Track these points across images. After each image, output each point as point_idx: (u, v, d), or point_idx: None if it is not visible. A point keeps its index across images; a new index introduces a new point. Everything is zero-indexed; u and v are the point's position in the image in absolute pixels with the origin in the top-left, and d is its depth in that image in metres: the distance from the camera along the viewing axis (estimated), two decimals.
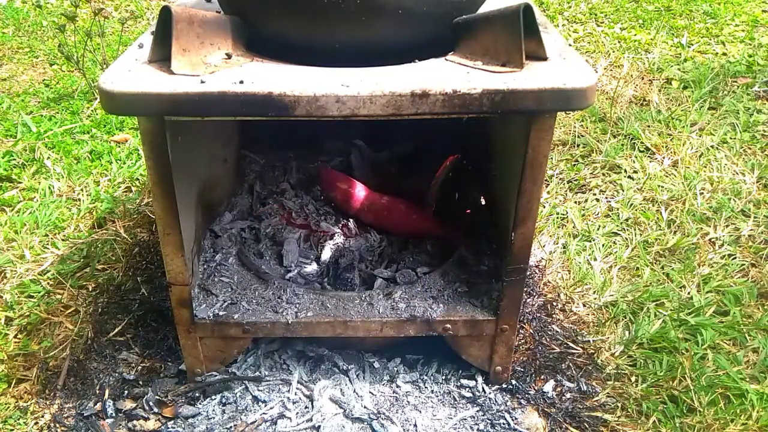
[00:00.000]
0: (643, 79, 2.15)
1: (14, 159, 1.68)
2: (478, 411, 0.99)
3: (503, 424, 0.97)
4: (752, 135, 1.77)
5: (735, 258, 1.32)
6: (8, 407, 1.01)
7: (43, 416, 1.00)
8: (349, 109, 0.72)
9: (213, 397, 1.00)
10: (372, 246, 1.15)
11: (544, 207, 1.49)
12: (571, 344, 1.12)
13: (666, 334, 1.11)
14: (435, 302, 0.97)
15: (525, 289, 1.10)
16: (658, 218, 1.44)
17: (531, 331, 1.15)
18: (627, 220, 1.44)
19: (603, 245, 1.36)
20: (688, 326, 1.14)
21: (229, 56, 0.79)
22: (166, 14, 0.72)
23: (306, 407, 0.99)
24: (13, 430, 0.98)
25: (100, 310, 1.19)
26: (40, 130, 1.82)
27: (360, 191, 1.20)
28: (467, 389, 1.03)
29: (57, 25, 2.15)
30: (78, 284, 1.25)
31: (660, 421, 0.98)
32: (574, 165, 1.67)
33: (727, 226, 1.41)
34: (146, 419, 0.99)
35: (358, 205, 1.20)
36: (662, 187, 1.55)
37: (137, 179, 1.62)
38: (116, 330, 1.15)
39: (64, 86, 2.15)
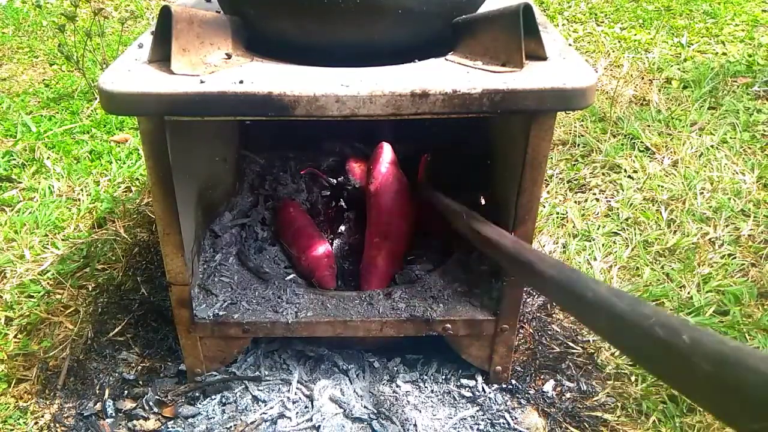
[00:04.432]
0: (643, 78, 2.15)
1: (14, 159, 1.68)
2: (478, 411, 0.99)
3: (503, 423, 0.97)
4: (752, 135, 1.77)
5: (735, 258, 1.32)
6: (8, 407, 1.01)
7: (43, 416, 1.00)
8: (349, 109, 0.72)
9: (213, 396, 1.01)
10: None
11: (544, 207, 1.49)
12: (571, 344, 1.12)
13: None
14: (435, 302, 0.97)
15: (525, 288, 1.10)
16: (658, 218, 1.44)
17: (531, 331, 1.15)
18: (627, 219, 1.44)
19: (603, 245, 1.36)
20: None
21: (229, 56, 0.79)
22: (166, 14, 0.72)
23: (306, 407, 0.99)
24: (13, 430, 0.98)
25: (100, 310, 1.19)
26: (40, 130, 1.82)
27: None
28: (467, 389, 1.03)
29: (57, 25, 2.15)
30: (78, 284, 1.25)
31: (660, 420, 0.98)
32: (574, 165, 1.67)
33: (727, 225, 1.41)
34: (146, 419, 0.99)
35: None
36: (662, 186, 1.55)
37: (137, 179, 1.62)
38: (116, 330, 1.15)
39: (64, 86, 2.15)
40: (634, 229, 1.40)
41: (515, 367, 1.07)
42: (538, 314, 1.19)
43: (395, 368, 1.05)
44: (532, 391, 1.03)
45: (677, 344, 0.48)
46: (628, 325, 0.53)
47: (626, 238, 1.38)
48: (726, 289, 1.22)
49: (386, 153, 1.23)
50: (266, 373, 1.04)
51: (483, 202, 1.20)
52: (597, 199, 1.53)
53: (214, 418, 0.98)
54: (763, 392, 0.40)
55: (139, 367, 1.08)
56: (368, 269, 1.06)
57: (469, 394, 1.02)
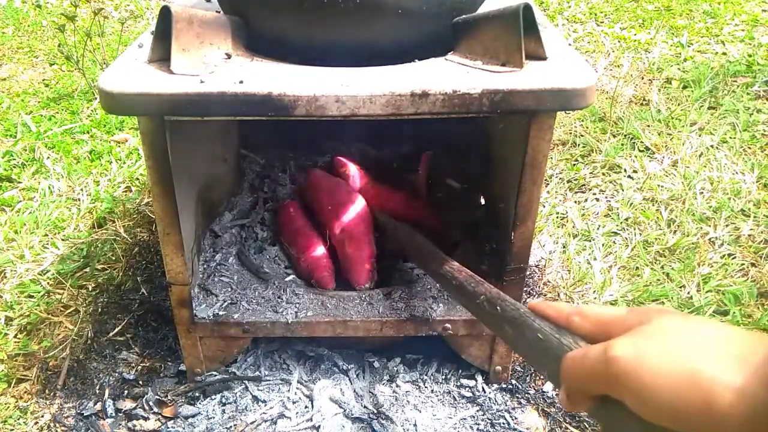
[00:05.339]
0: (643, 78, 2.15)
1: (14, 159, 1.68)
2: (478, 411, 0.99)
3: (503, 423, 0.97)
4: (752, 134, 1.77)
5: (735, 258, 1.32)
6: (8, 407, 1.01)
7: (43, 416, 1.00)
8: (349, 108, 0.72)
9: (213, 396, 1.01)
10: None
11: (544, 207, 1.49)
12: None
13: None
14: (435, 302, 0.97)
15: (525, 288, 1.10)
16: (657, 218, 1.44)
17: None
18: (627, 219, 1.44)
19: (603, 245, 1.36)
20: None
21: (228, 56, 0.79)
22: (165, 14, 0.72)
23: (306, 407, 0.99)
24: (13, 430, 0.98)
25: (100, 310, 1.19)
26: (40, 129, 1.82)
27: (363, 176, 1.23)
28: (467, 389, 1.03)
29: (57, 25, 2.15)
30: (78, 284, 1.25)
31: None
32: (574, 165, 1.67)
33: (727, 225, 1.41)
34: (146, 419, 0.99)
35: (361, 186, 1.21)
36: (662, 186, 1.55)
37: (137, 179, 1.62)
38: (116, 330, 1.15)
39: (64, 86, 2.15)
40: (634, 229, 1.40)
41: (515, 367, 1.07)
42: None
43: (395, 368, 1.05)
44: (532, 391, 1.03)
45: (494, 314, 0.62)
46: (473, 302, 0.70)
47: (626, 238, 1.38)
48: (726, 289, 1.22)
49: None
50: (266, 373, 1.04)
51: (483, 201, 1.20)
52: (597, 199, 1.53)
53: (214, 418, 0.98)
54: (539, 343, 0.49)
55: (139, 367, 1.08)
56: (345, 266, 1.06)
57: (469, 394, 1.02)
